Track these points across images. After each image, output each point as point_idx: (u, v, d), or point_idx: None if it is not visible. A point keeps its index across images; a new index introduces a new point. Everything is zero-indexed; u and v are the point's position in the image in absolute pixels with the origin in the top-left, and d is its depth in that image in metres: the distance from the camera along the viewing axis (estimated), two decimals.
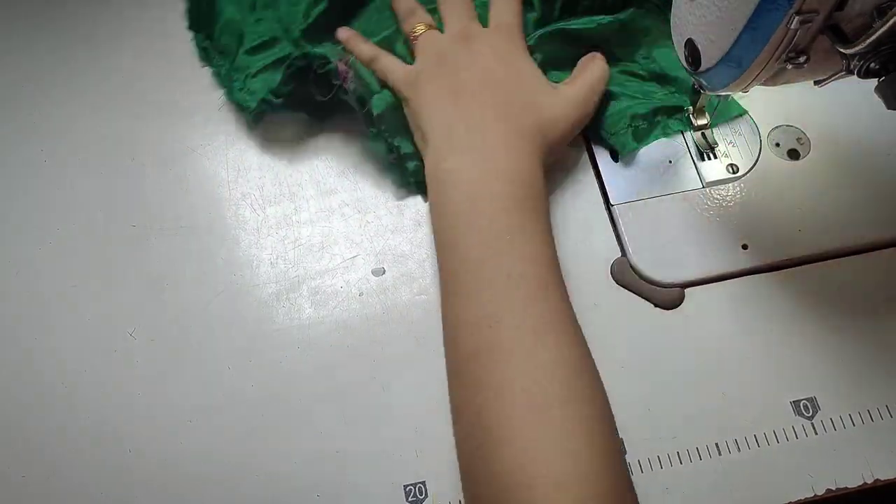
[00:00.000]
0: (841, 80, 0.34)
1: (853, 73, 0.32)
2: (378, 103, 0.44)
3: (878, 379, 0.40)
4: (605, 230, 0.45)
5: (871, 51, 0.30)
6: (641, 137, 0.46)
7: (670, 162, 0.47)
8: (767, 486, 0.38)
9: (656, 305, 0.43)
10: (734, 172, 0.47)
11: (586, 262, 0.44)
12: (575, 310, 0.38)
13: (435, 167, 0.41)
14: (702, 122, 0.47)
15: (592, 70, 0.45)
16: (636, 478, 0.38)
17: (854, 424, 0.39)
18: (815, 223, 0.43)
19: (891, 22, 0.28)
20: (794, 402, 0.40)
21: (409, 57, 0.47)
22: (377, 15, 0.49)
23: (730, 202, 0.46)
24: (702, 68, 0.38)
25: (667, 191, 0.46)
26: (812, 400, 0.40)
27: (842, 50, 0.31)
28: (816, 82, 0.36)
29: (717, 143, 0.47)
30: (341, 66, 0.44)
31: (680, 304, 0.43)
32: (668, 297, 0.43)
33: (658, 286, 0.44)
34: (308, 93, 0.46)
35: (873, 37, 0.29)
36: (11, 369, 0.42)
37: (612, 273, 0.44)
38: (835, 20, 0.31)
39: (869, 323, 0.42)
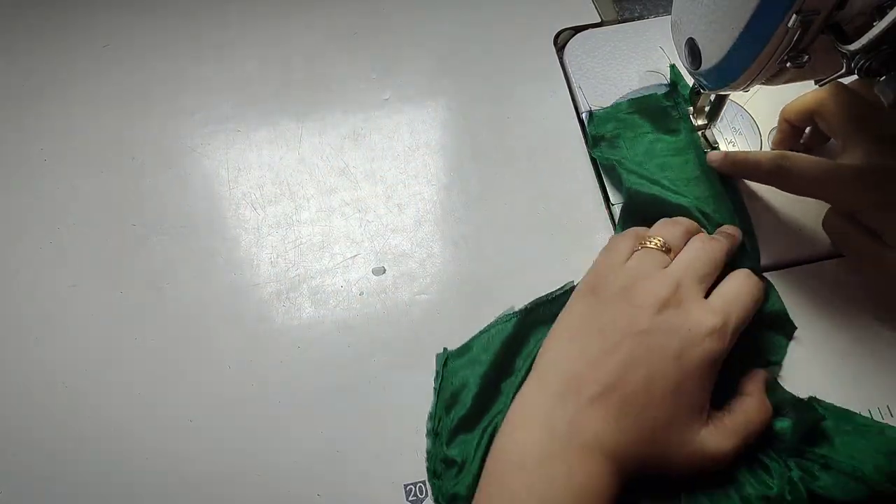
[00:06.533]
0: (841, 79, 0.34)
1: (854, 73, 0.32)
2: None
3: (878, 379, 0.40)
4: (605, 230, 0.45)
5: (872, 50, 0.30)
6: None
7: None
8: None
9: None
10: None
11: (587, 262, 0.44)
12: None
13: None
14: (701, 122, 0.47)
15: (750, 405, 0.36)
16: None
17: None
18: (816, 223, 0.43)
19: (891, 21, 0.28)
20: None
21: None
22: None
23: None
24: (702, 68, 0.38)
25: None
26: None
27: (842, 49, 0.31)
28: (817, 82, 0.36)
29: (717, 143, 0.47)
30: None
31: None
32: None
33: None
34: None
35: (873, 36, 0.29)
36: (12, 369, 0.42)
37: None
38: (835, 19, 0.31)
39: (870, 322, 0.41)
